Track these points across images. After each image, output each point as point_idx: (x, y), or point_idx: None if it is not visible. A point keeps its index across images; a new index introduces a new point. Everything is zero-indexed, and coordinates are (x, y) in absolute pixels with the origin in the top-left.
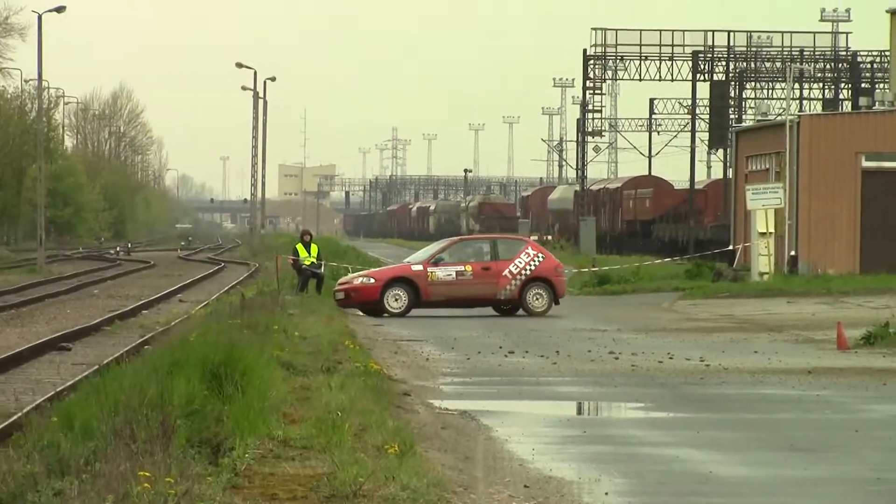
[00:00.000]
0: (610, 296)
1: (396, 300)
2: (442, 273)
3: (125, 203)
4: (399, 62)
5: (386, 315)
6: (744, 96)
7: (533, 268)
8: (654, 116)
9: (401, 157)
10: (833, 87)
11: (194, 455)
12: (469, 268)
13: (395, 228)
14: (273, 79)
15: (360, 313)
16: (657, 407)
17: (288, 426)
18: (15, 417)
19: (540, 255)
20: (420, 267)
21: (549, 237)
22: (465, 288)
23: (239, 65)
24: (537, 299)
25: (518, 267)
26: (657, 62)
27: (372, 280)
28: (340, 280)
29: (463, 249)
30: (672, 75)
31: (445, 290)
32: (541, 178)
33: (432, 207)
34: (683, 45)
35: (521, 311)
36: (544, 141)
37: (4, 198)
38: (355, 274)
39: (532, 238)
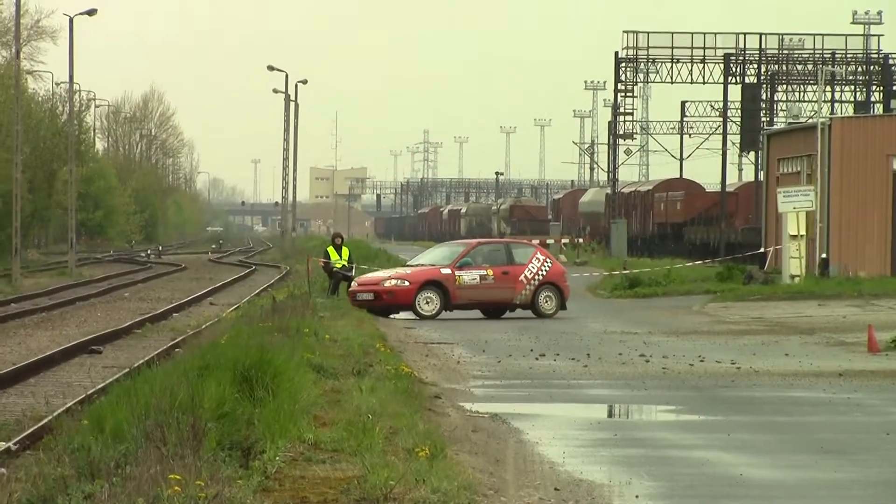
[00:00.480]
0: (641, 298)
1: (428, 303)
2: (468, 277)
3: (156, 206)
4: (430, 65)
5: (403, 317)
6: (775, 99)
7: (545, 273)
8: (685, 119)
9: (432, 160)
10: (864, 89)
11: (225, 458)
12: (491, 272)
13: (426, 231)
14: (304, 82)
15: (391, 316)
16: (688, 410)
17: (319, 429)
18: (46, 420)
19: (548, 260)
20: (448, 270)
21: (581, 240)
22: (487, 292)
23: (270, 68)
24: (547, 302)
25: (532, 272)
26: (688, 65)
27: (406, 283)
28: (360, 280)
29: (480, 253)
30: (703, 78)
31: (471, 293)
32: (572, 181)
33: (463, 210)
34: (715, 48)
35: (531, 314)
36: (575, 144)
37: (35, 201)
38: (378, 275)
39: (564, 240)
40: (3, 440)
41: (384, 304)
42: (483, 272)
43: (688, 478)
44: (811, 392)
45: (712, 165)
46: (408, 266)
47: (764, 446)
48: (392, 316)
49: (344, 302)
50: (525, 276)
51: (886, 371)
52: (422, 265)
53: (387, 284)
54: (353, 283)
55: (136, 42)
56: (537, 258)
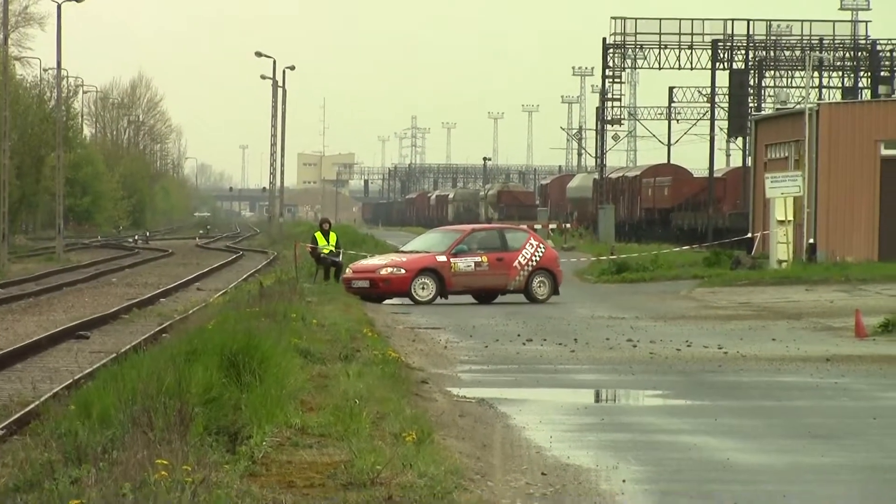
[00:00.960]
0: (628, 283)
1: (424, 289)
2: (463, 264)
3: (144, 192)
4: (418, 50)
5: (386, 302)
6: (763, 85)
7: (538, 258)
8: (673, 105)
9: (420, 146)
10: (852, 75)
11: (212, 443)
12: (485, 259)
13: (413, 217)
14: (292, 68)
15: (384, 302)
16: (675, 395)
17: (305, 414)
18: (33, 406)
19: (542, 245)
20: (444, 258)
21: (568, 225)
22: (482, 278)
23: (258, 54)
24: (541, 287)
25: (525, 258)
26: (676, 51)
27: (402, 271)
28: (354, 267)
29: (474, 239)
30: (691, 64)
31: (466, 280)
32: (559, 167)
33: (451, 196)
34: (703, 34)
35: (520, 299)
36: (563, 129)
37: (23, 186)
38: (373, 263)
39: (551, 226)
40: None
41: (380, 291)
42: (478, 259)
43: (675, 462)
44: (798, 377)
45: (700, 151)
46: (402, 252)
47: (751, 431)
48: (385, 301)
49: (332, 287)
50: (519, 262)
51: (874, 356)
52: (416, 252)
53: (383, 273)
54: (347, 271)
55: (124, 28)
56: (531, 244)
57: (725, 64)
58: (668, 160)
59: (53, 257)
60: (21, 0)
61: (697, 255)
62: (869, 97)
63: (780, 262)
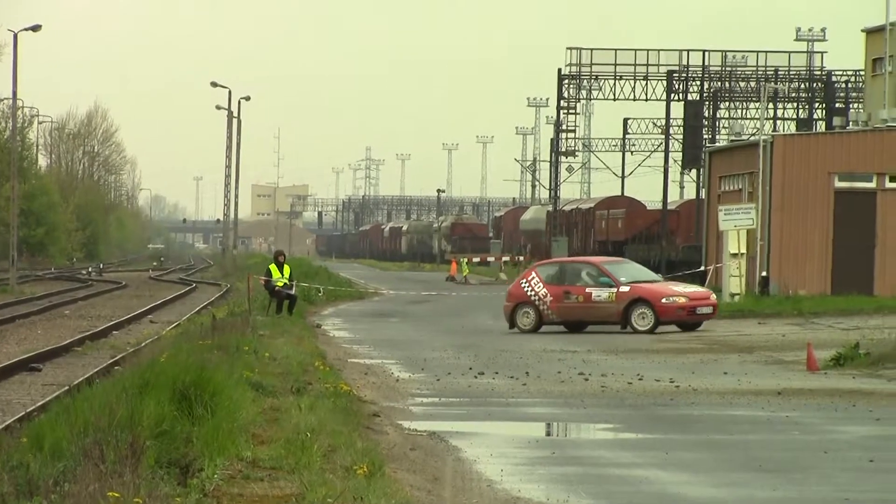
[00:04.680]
0: None
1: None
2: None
3: (98, 223)
4: (373, 81)
5: (343, 336)
6: (718, 116)
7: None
8: (627, 136)
9: (374, 177)
10: (807, 106)
11: (163, 476)
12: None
13: (367, 249)
14: (247, 98)
15: (338, 334)
16: (626, 428)
17: (257, 447)
18: None
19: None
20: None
21: (521, 258)
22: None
23: (214, 84)
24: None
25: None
26: (631, 82)
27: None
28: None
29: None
30: (646, 95)
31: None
32: (514, 199)
33: (405, 228)
34: (658, 65)
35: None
36: (517, 161)
37: None
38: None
39: (504, 259)
40: None
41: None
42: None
43: (626, 496)
44: (750, 410)
45: (654, 183)
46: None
47: (702, 465)
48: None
49: (286, 320)
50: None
51: (825, 390)
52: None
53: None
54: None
55: (80, 58)
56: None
57: (680, 95)
58: (623, 192)
59: (7, 289)
60: None
61: None
62: (823, 129)
63: (732, 295)
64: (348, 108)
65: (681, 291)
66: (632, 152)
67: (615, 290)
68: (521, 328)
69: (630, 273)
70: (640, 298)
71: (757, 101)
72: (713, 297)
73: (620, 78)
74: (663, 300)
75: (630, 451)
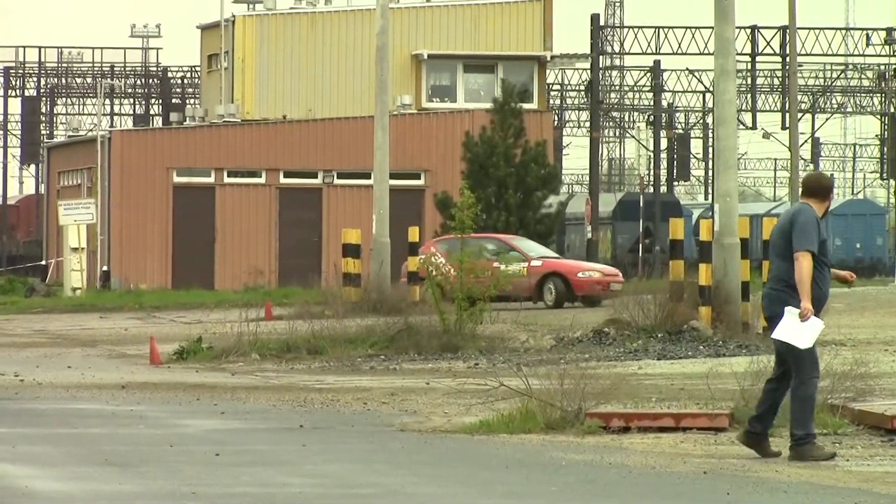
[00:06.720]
0: None
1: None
2: None
3: None
4: None
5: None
6: (56, 112)
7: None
8: None
9: None
10: (144, 102)
11: None
12: None
13: None
14: None
15: None
16: None
17: None
18: None
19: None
20: None
21: None
22: None
23: None
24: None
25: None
26: None
27: None
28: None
29: None
30: None
31: None
32: None
33: None
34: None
35: None
36: None
37: None
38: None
39: None
40: None
41: None
42: None
43: None
44: (95, 404)
45: None
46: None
47: (49, 458)
48: None
49: None
50: None
51: (169, 383)
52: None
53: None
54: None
55: None
56: None
57: (18, 91)
58: None
59: None
60: None
61: None
62: (161, 124)
63: (74, 289)
64: None
65: (594, 266)
66: None
67: (526, 264)
68: None
69: (534, 249)
70: (554, 272)
71: (94, 97)
72: (620, 275)
73: None
74: (579, 274)
75: None
